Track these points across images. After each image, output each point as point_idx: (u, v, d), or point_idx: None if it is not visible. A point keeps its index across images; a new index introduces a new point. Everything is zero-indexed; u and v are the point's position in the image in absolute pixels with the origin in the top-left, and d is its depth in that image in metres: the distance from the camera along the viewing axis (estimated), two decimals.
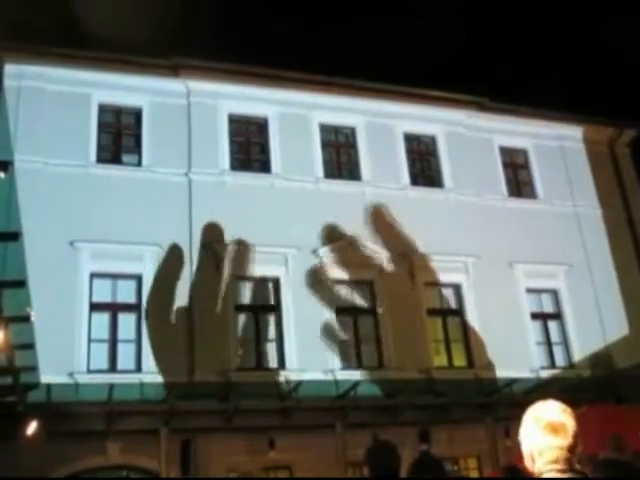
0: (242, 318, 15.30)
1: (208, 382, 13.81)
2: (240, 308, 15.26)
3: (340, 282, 16.03)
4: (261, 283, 15.67)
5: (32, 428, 11.70)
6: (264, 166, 16.82)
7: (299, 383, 14.04)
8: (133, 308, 14.63)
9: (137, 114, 16.27)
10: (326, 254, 15.96)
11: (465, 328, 16.62)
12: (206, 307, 14.67)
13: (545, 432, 2.72)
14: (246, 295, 15.49)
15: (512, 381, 14.92)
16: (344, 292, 16.09)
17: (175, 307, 14.52)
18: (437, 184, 18.11)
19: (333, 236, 16.13)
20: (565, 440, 2.70)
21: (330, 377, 14.81)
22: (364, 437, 11.67)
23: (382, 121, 17.92)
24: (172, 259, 14.88)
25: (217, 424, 13.48)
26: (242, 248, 15.35)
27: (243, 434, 13.80)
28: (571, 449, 2.70)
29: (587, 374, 16.61)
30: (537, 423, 2.76)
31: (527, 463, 2.82)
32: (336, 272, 15.94)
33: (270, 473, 14.47)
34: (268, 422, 13.70)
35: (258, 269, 15.45)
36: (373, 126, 17.83)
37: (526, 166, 19.50)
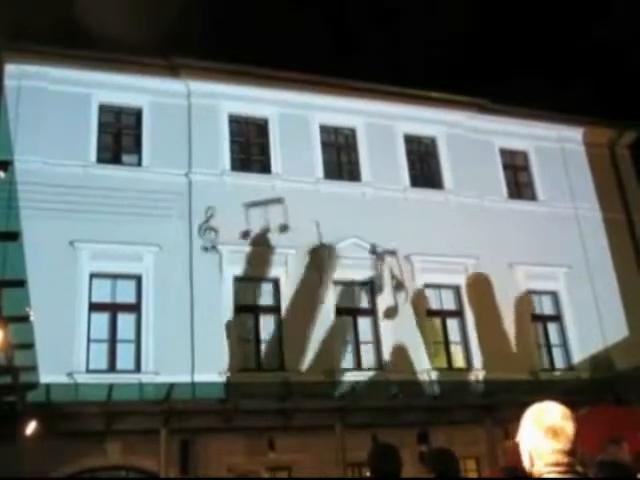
0: (242, 319, 15.29)
1: (208, 382, 13.81)
2: (240, 309, 15.25)
3: (340, 283, 16.03)
4: (262, 284, 15.67)
5: (31, 428, 11.69)
6: (264, 167, 16.82)
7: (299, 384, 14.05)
8: (133, 308, 14.63)
9: (137, 114, 16.27)
10: (327, 255, 15.95)
11: (465, 330, 16.63)
12: (207, 307, 14.67)
13: (546, 436, 2.70)
14: (247, 296, 15.48)
15: (512, 383, 14.90)
16: (343, 293, 16.11)
17: (176, 307, 14.52)
18: (437, 186, 18.10)
19: (333, 237, 16.13)
20: (566, 444, 2.68)
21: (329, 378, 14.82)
22: (364, 438, 11.71)
23: (382, 122, 17.93)
24: (172, 259, 14.89)
25: (217, 424, 13.47)
26: (243, 249, 15.37)
27: (243, 435, 13.81)
28: (571, 453, 2.69)
29: (587, 376, 16.61)
30: (538, 426, 2.74)
31: (525, 463, 2.81)
32: (336, 273, 15.94)
33: (269, 474, 14.47)
34: (268, 423, 13.69)
35: (259, 270, 15.45)
36: (373, 127, 17.84)
37: (526, 168, 19.51)
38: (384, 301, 16.12)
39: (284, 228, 15.53)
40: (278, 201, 15.79)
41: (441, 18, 35.69)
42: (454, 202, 17.71)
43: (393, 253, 16.42)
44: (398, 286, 16.13)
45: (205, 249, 15.01)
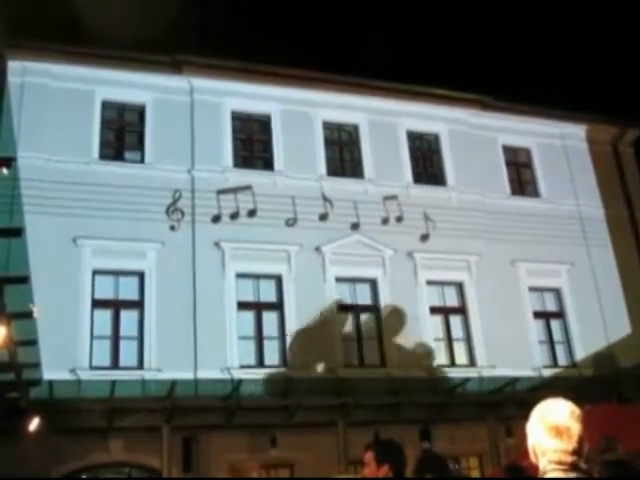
0: (244, 315, 15.29)
1: (211, 379, 13.82)
2: (242, 305, 15.26)
3: (343, 279, 16.04)
4: (263, 281, 15.68)
5: (34, 424, 11.71)
6: (267, 163, 16.83)
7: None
8: (135, 305, 14.65)
9: (140, 111, 16.27)
10: (329, 251, 15.96)
11: (467, 326, 16.63)
12: (209, 304, 14.68)
13: (549, 435, 2.69)
14: (248, 292, 15.49)
15: (514, 380, 14.92)
16: (347, 289, 16.12)
17: (178, 304, 14.53)
18: (440, 182, 18.10)
19: (336, 234, 16.13)
20: (569, 444, 2.67)
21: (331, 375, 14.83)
22: (366, 435, 11.70)
23: (385, 119, 17.91)
24: (175, 256, 14.90)
25: (219, 421, 13.49)
26: (245, 246, 15.38)
27: (245, 432, 13.82)
28: (575, 452, 2.67)
29: (589, 373, 16.61)
30: (542, 424, 2.73)
31: (532, 458, 2.81)
32: (339, 269, 15.95)
33: (271, 471, 14.49)
34: (270, 420, 13.71)
35: (261, 266, 15.46)
36: (376, 124, 17.83)
37: (529, 165, 19.50)
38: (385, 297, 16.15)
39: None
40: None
41: (443, 15, 35.63)
42: (456, 199, 17.70)
43: (395, 197, 16.67)
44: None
45: (172, 228, 15.07)
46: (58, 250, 14.04)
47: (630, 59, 36.72)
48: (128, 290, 14.74)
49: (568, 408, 2.77)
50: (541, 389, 14.32)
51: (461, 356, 16.51)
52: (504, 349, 16.11)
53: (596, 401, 10.42)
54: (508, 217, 17.84)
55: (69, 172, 14.74)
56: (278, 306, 15.49)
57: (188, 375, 13.80)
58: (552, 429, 2.70)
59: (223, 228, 15.38)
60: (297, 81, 17.13)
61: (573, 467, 2.65)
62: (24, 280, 9.87)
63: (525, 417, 2.89)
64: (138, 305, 14.63)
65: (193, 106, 16.40)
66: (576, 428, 2.70)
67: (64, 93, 15.42)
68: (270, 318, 15.47)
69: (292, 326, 15.20)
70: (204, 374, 13.97)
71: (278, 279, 15.65)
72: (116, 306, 14.62)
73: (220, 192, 15.59)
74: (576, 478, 2.64)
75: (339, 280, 15.97)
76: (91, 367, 13.69)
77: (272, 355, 15.14)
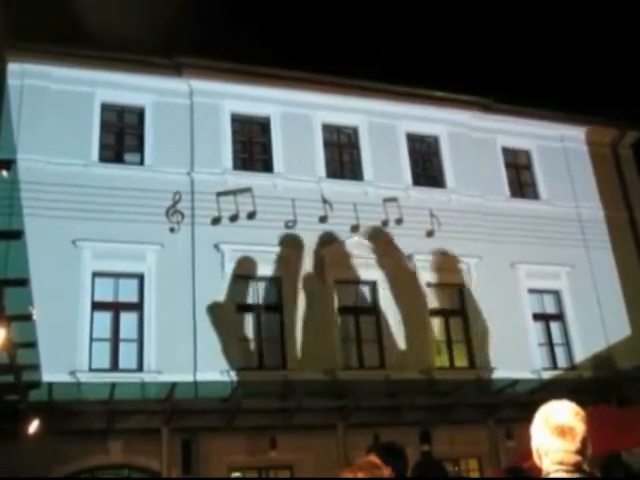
0: (244, 318, 15.30)
1: (210, 381, 13.82)
2: (242, 308, 15.26)
3: (342, 282, 16.03)
4: (263, 282, 15.68)
5: (34, 427, 11.70)
6: (266, 166, 16.83)
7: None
8: (135, 307, 14.64)
9: (140, 113, 16.27)
10: (329, 254, 15.95)
11: (467, 329, 16.63)
12: (209, 306, 14.68)
13: (553, 435, 2.71)
14: (248, 295, 15.49)
15: (514, 382, 14.91)
16: (346, 292, 16.12)
17: (178, 306, 14.52)
18: (440, 184, 18.09)
19: (335, 237, 16.14)
20: (572, 444, 2.69)
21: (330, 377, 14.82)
22: (365, 438, 11.72)
23: (385, 121, 17.92)
24: (174, 258, 14.90)
25: (218, 423, 13.47)
26: (245, 248, 15.38)
27: (244, 434, 13.81)
28: (579, 452, 2.69)
29: (589, 375, 16.60)
30: (546, 424, 2.75)
31: (535, 459, 2.82)
32: (338, 272, 15.95)
33: (271, 473, 14.50)
34: (269, 422, 13.70)
35: (260, 269, 15.45)
36: (376, 126, 17.83)
37: (529, 167, 19.51)
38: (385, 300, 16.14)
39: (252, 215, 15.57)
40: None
41: (443, 17, 35.65)
42: (456, 201, 17.70)
43: (394, 200, 16.70)
44: None
45: (171, 230, 15.07)
46: (58, 252, 14.03)
47: (629, 61, 36.77)
48: (128, 292, 14.74)
49: (572, 409, 2.79)
50: (541, 391, 14.32)
51: (461, 358, 16.52)
52: (504, 351, 16.11)
53: (596, 403, 10.43)
54: (508, 219, 17.84)
55: (69, 174, 14.73)
56: (277, 308, 15.49)
57: (188, 377, 13.79)
58: (556, 429, 2.71)
59: (223, 230, 15.38)
60: (296, 83, 17.14)
61: (576, 468, 2.66)
62: (24, 282, 9.86)
63: (525, 419, 2.90)
64: (138, 307, 14.63)
65: (193, 108, 16.40)
66: (580, 429, 2.72)
67: (64, 95, 15.42)
68: (269, 320, 15.47)
69: (292, 328, 15.19)
70: (204, 376, 13.96)
71: (277, 280, 15.64)
72: (116, 308, 14.61)
73: (220, 194, 15.60)
74: (579, 478, 2.65)
75: (339, 282, 15.97)
76: (91, 369, 13.68)
77: (272, 357, 15.15)
